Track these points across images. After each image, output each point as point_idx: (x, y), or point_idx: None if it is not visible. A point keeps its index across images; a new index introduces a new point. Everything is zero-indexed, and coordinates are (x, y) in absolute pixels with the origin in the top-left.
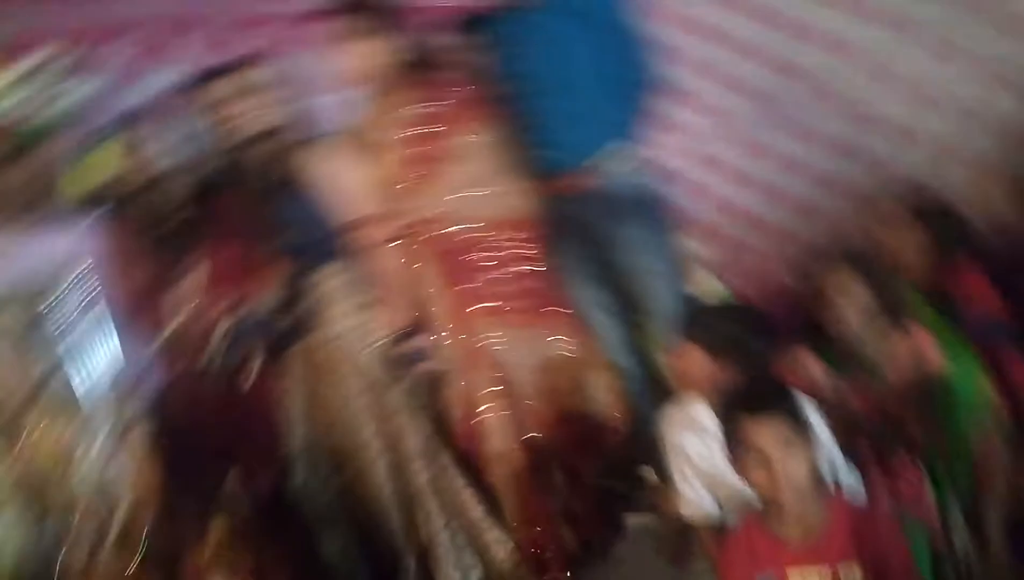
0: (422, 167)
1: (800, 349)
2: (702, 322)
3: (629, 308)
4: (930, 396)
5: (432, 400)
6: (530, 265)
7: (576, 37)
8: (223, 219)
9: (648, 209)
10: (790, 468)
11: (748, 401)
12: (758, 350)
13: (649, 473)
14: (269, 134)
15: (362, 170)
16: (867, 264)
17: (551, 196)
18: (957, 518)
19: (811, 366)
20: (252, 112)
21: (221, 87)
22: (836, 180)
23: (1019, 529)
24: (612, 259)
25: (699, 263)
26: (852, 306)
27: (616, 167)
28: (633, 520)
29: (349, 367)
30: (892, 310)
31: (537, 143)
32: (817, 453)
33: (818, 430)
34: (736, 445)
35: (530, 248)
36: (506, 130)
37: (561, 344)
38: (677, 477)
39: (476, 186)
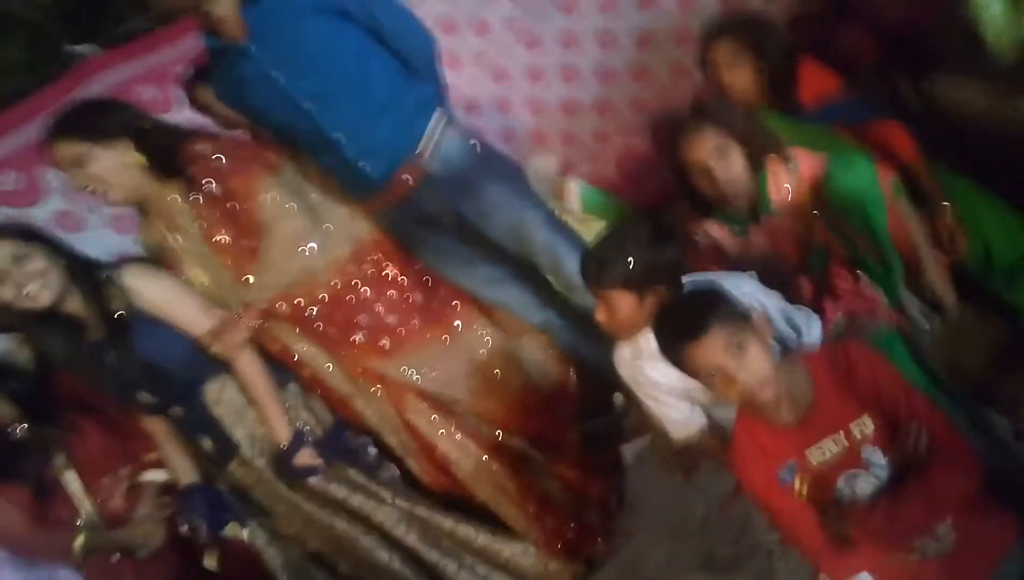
0: (239, 250)
1: (696, 221)
2: (602, 262)
3: (522, 268)
4: (829, 203)
5: (379, 464)
6: (404, 281)
7: (325, 37)
8: (69, 404)
9: (487, 165)
10: (751, 368)
11: (680, 329)
12: (667, 258)
13: (623, 401)
14: (63, 296)
15: (179, 285)
16: (714, 111)
17: (390, 205)
18: (910, 300)
19: (713, 232)
20: (28, 284)
21: None
22: (637, 40)
23: (962, 276)
24: (481, 231)
25: (562, 177)
26: (720, 158)
27: (435, 142)
28: (630, 451)
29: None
30: (758, 143)
31: (347, 161)
32: (769, 333)
33: (758, 300)
34: (692, 373)
35: (396, 265)
36: (307, 165)
37: (476, 337)
38: (653, 406)
39: (307, 237)
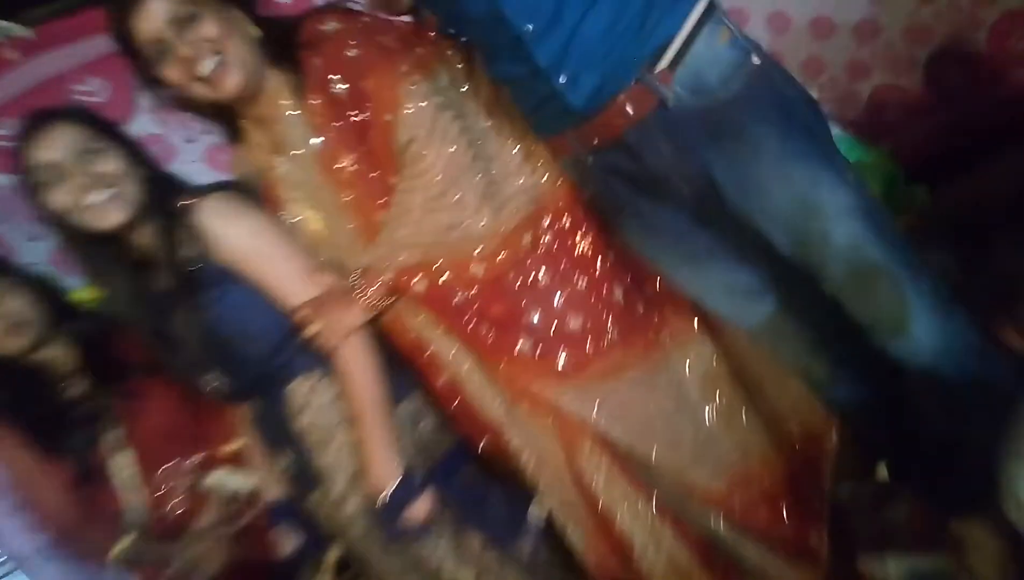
0: (366, 186)
1: None
2: None
3: (793, 274)
4: None
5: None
6: (602, 267)
7: None
8: (130, 367)
9: (774, 101)
10: None
11: None
12: None
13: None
14: (135, 219)
15: (277, 230)
16: None
17: (589, 148)
18: None
19: None
20: (94, 190)
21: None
22: None
23: None
24: (739, 210)
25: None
26: None
27: (688, 52)
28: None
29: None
30: None
31: (535, 72)
32: None
33: None
34: None
35: (592, 242)
36: (478, 73)
37: (698, 367)
38: None
39: (465, 181)
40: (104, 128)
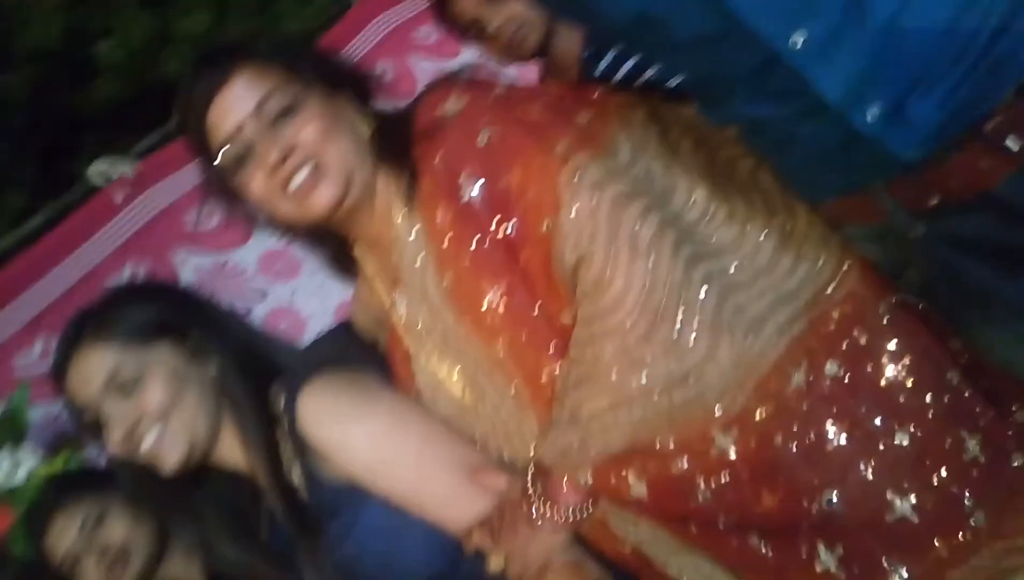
0: (525, 335)
1: None
2: None
3: None
4: None
5: None
6: (934, 404)
7: None
8: None
9: None
10: None
11: None
12: None
13: None
14: (204, 444)
15: (418, 415)
16: None
17: (929, 211)
18: None
19: None
20: (139, 442)
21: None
22: None
23: None
24: None
25: None
26: None
27: None
28: None
29: None
30: None
31: (815, 112)
32: None
33: None
34: None
35: (910, 362)
36: (683, 120)
37: None
38: None
39: (674, 309)
40: (148, 333)
